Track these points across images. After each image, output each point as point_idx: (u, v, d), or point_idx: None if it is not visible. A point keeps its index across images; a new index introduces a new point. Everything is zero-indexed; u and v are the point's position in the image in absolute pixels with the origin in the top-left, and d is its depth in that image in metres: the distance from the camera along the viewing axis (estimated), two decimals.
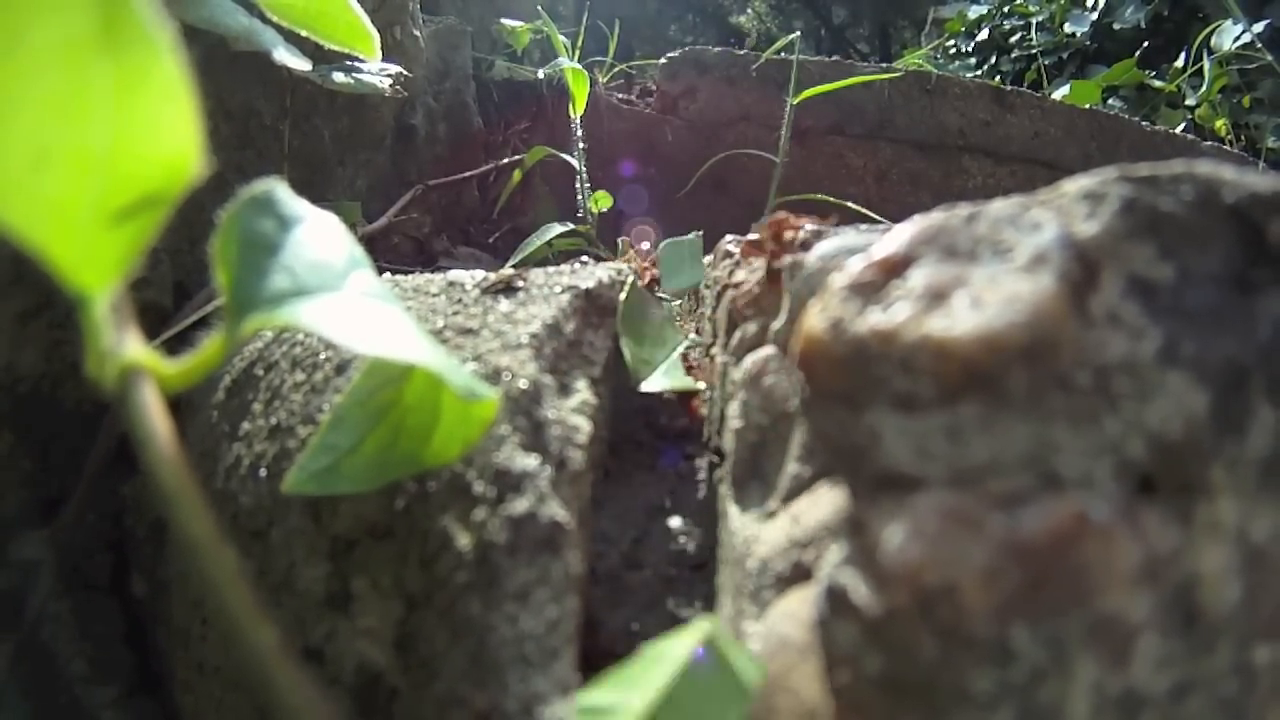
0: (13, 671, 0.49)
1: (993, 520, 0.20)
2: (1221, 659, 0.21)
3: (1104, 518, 0.20)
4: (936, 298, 0.23)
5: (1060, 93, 2.37)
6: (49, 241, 0.22)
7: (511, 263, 0.93)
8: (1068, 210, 0.25)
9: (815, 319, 0.25)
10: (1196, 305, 0.23)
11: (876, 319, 0.23)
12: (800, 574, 0.26)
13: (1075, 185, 0.26)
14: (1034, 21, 3.23)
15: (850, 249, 0.32)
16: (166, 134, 0.22)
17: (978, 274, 0.23)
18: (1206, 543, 0.21)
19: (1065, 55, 3.10)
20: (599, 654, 0.33)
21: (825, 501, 0.27)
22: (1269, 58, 2.07)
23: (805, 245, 0.39)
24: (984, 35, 3.49)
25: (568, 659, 0.28)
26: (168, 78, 0.22)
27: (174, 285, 0.64)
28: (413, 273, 0.78)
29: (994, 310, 0.22)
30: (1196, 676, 0.21)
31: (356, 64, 0.79)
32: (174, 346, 0.57)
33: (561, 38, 1.14)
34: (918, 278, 0.24)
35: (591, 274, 0.43)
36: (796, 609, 0.25)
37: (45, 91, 0.21)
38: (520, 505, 0.30)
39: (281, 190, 0.29)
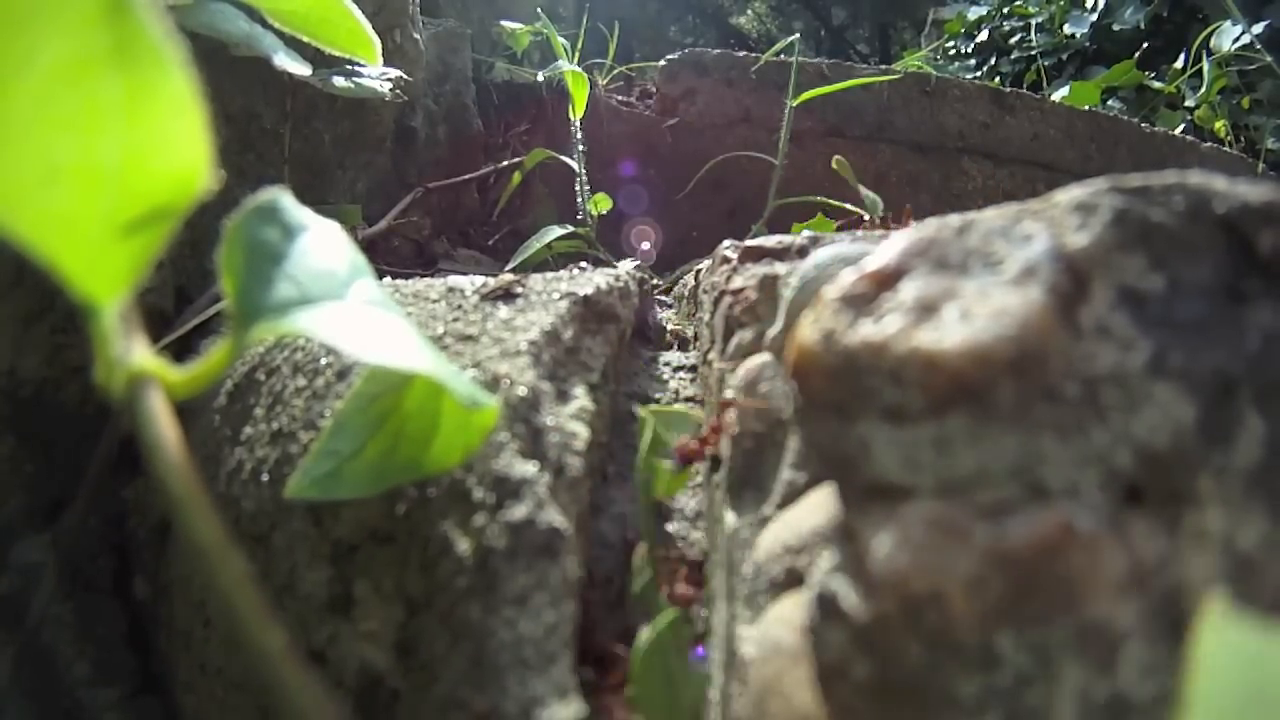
0: (15, 674, 0.50)
1: (979, 530, 0.21)
2: None
3: (1090, 527, 0.21)
4: (927, 310, 0.23)
5: (1060, 94, 2.38)
6: (60, 253, 0.22)
7: (511, 265, 0.94)
8: (1059, 221, 0.26)
9: (808, 330, 0.25)
10: (1186, 316, 0.23)
11: (867, 331, 0.24)
12: (793, 579, 0.26)
13: (1067, 196, 0.26)
14: (1033, 23, 3.24)
15: (845, 258, 0.32)
16: (176, 148, 0.23)
17: (968, 286, 0.24)
18: (1193, 551, 0.22)
19: (1065, 56, 3.11)
20: (597, 657, 0.33)
21: (818, 508, 0.27)
22: (1268, 59, 2.07)
23: (801, 252, 0.39)
24: (983, 36, 3.50)
25: (565, 662, 0.28)
26: (178, 93, 0.22)
27: (175, 290, 0.64)
28: (412, 275, 0.79)
29: (982, 323, 0.22)
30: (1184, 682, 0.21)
31: (357, 68, 0.79)
32: (176, 351, 0.58)
33: (561, 40, 1.15)
34: (909, 290, 0.24)
35: (590, 280, 0.44)
36: (789, 614, 0.25)
37: (57, 108, 0.21)
38: (519, 511, 0.30)
39: (286, 199, 0.30)
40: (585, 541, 0.36)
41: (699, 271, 0.53)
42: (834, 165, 0.74)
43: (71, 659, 0.51)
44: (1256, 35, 2.16)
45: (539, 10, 1.28)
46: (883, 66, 1.57)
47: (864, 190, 0.72)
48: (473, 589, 0.29)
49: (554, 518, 0.31)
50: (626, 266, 0.78)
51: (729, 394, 0.33)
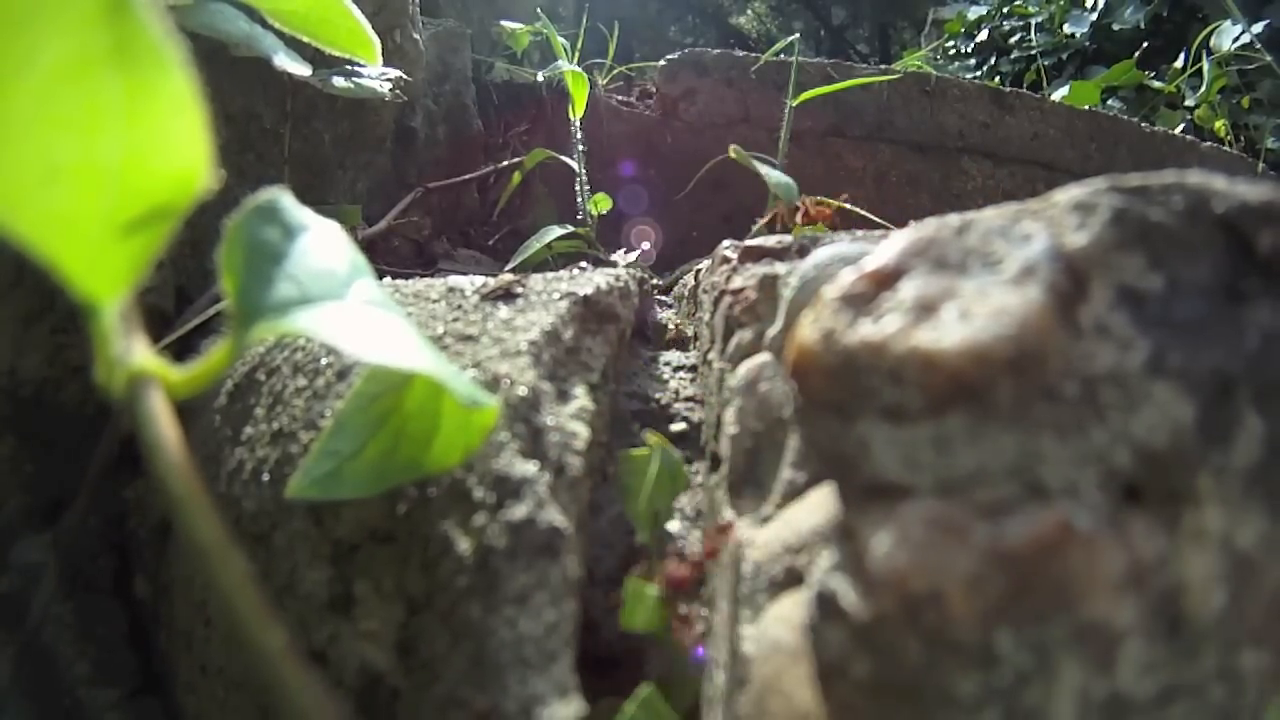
0: (16, 674, 0.50)
1: (978, 529, 0.21)
2: (1207, 664, 0.22)
3: (1088, 526, 0.21)
4: (926, 310, 0.23)
5: (1060, 94, 2.38)
6: (60, 253, 0.22)
7: (511, 265, 0.94)
8: (1058, 221, 0.26)
9: (807, 329, 0.25)
10: (1185, 315, 0.23)
11: (867, 331, 0.24)
12: (793, 579, 0.26)
13: (1066, 195, 0.27)
14: (1033, 22, 3.24)
15: (844, 257, 0.32)
16: (177, 148, 0.23)
17: (967, 286, 0.24)
18: (1192, 550, 0.22)
19: (1065, 56, 3.11)
20: (597, 656, 0.33)
21: (818, 507, 0.27)
22: (1268, 58, 2.07)
23: (801, 252, 0.39)
24: (983, 36, 3.50)
25: (566, 661, 0.28)
26: (178, 92, 0.22)
27: (175, 290, 0.64)
28: (412, 275, 0.79)
29: (981, 323, 0.22)
30: (1183, 681, 0.21)
31: (357, 68, 0.79)
32: (176, 350, 0.58)
33: (561, 40, 1.15)
34: (908, 290, 0.24)
35: (590, 280, 0.44)
36: (789, 613, 0.25)
37: (57, 107, 0.21)
38: (519, 511, 0.30)
39: (286, 199, 0.30)
40: (585, 540, 0.36)
41: (699, 271, 0.54)
42: (732, 154, 0.70)
43: (72, 659, 0.51)
44: (1256, 35, 2.16)
45: (539, 10, 1.28)
46: (883, 66, 1.57)
47: (771, 173, 0.67)
48: (473, 588, 0.29)
49: (554, 517, 0.31)
50: (628, 260, 0.78)
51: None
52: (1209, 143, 1.76)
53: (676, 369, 0.51)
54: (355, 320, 0.27)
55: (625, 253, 0.86)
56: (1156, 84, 2.52)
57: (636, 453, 0.38)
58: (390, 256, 0.98)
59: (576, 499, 0.34)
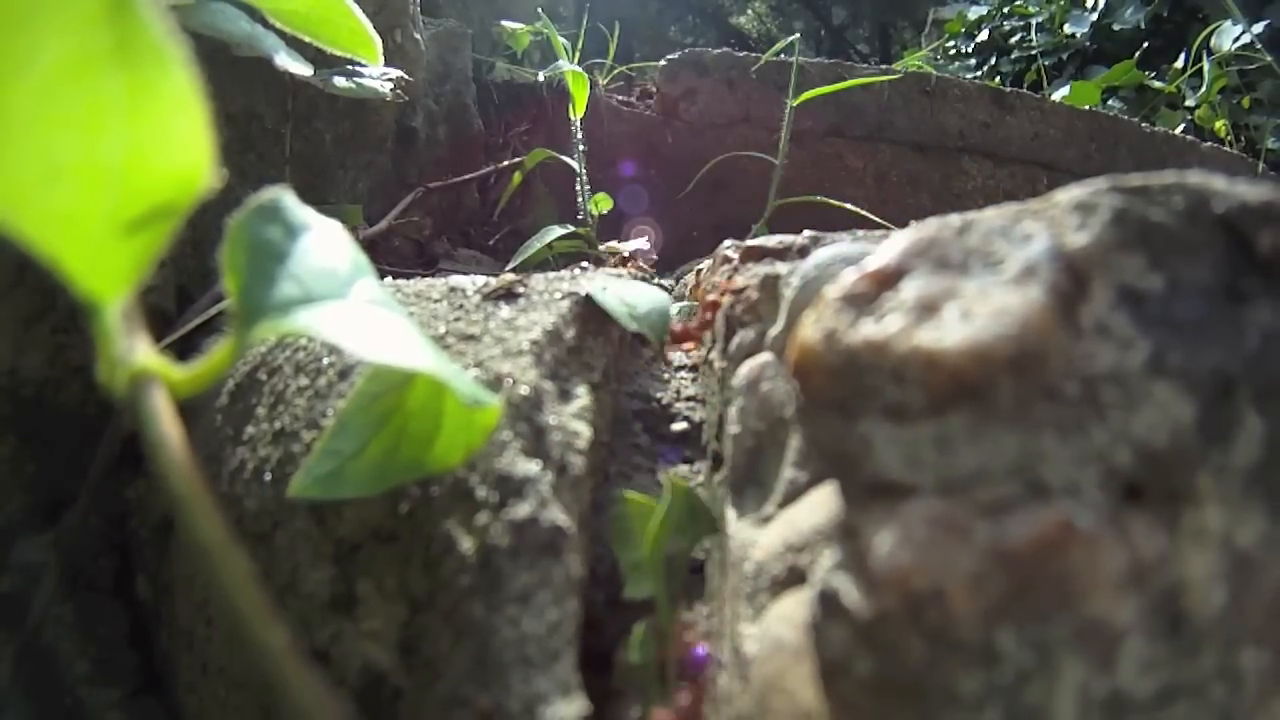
0: (16, 674, 0.50)
1: (980, 527, 0.21)
2: (1208, 662, 0.22)
3: (1089, 525, 0.21)
4: (927, 309, 0.23)
5: (1060, 94, 2.38)
6: (62, 252, 0.22)
7: (512, 265, 0.94)
8: (1059, 221, 0.26)
9: (809, 329, 0.25)
10: (1185, 315, 0.24)
11: (869, 330, 0.24)
12: (795, 578, 0.26)
13: (1067, 196, 0.27)
14: (1034, 22, 3.24)
15: (845, 258, 0.32)
16: (179, 147, 0.23)
17: (968, 286, 0.24)
18: (1192, 549, 0.22)
19: (1065, 56, 3.10)
20: (600, 655, 0.33)
21: (820, 506, 0.27)
22: (1269, 58, 2.07)
23: (803, 252, 0.39)
24: (984, 36, 3.50)
25: (568, 660, 0.28)
26: (180, 91, 0.22)
27: (177, 289, 0.64)
28: (413, 275, 0.79)
29: (982, 322, 0.22)
30: (1183, 680, 0.21)
31: (358, 68, 0.79)
32: (178, 350, 0.58)
33: (561, 39, 1.15)
34: (909, 289, 0.24)
35: (591, 280, 0.44)
36: (791, 612, 0.25)
37: (59, 106, 0.21)
38: (522, 510, 0.30)
39: (288, 198, 0.30)
40: (588, 540, 0.36)
41: (700, 271, 0.54)
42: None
43: (73, 658, 0.51)
44: (1256, 35, 2.16)
45: (539, 10, 1.28)
46: (883, 66, 1.57)
47: (631, 311, 0.57)
48: (476, 587, 0.29)
49: (557, 516, 0.31)
50: (634, 246, 0.78)
51: (729, 392, 0.33)
52: (1209, 143, 1.76)
53: (678, 368, 0.51)
54: (357, 320, 0.27)
55: (625, 242, 0.86)
56: (1157, 84, 2.52)
57: (636, 496, 0.37)
58: (391, 256, 0.98)
59: (579, 498, 0.34)
